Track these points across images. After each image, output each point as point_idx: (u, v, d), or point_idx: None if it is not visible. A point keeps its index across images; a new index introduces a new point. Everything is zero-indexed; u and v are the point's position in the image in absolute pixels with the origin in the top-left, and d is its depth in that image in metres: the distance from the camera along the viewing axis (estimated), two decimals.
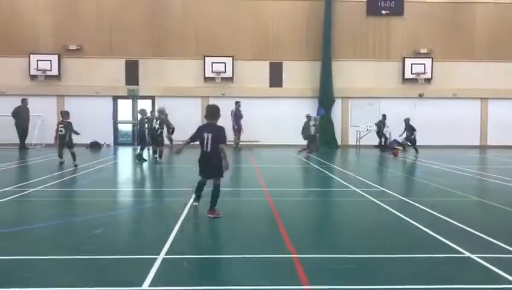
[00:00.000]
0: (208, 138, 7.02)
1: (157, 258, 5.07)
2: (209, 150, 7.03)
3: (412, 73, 24.17)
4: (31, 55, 22.93)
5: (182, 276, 4.66)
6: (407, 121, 19.39)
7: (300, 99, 23.56)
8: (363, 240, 6.16)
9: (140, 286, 4.29)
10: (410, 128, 19.18)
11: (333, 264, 5.08)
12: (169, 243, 5.69)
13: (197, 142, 7.29)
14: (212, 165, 7.09)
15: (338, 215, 8.26)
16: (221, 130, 7.14)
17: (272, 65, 23.90)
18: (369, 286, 4.43)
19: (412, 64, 24.17)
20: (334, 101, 23.90)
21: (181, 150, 7.73)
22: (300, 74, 23.87)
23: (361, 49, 24.11)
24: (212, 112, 7.35)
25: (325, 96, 23.70)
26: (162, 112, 15.82)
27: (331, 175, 13.15)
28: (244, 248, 5.66)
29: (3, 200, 8.47)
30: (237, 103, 21.92)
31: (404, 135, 19.49)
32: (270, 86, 23.93)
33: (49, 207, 8.35)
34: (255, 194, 9.68)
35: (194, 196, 7.48)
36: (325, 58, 23.59)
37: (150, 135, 15.22)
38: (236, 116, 21.75)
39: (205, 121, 7.59)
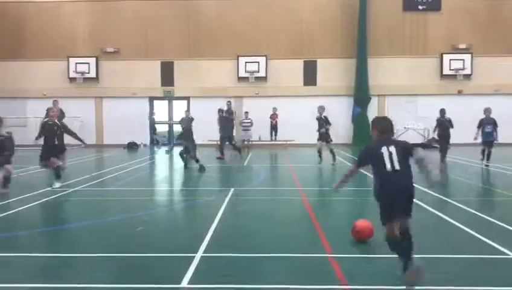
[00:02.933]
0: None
1: (195, 256, 5.10)
2: None
3: (450, 69, 23.53)
4: (70, 59, 23.59)
5: (220, 274, 4.66)
6: (441, 115, 18.79)
7: (335, 98, 23.29)
8: None
9: (179, 283, 4.32)
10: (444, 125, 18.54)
11: (371, 265, 4.99)
12: (207, 241, 5.72)
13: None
14: None
15: (375, 214, 8.08)
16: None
17: (306, 63, 23.75)
18: (410, 288, 4.30)
19: (450, 60, 23.53)
20: (370, 99, 23.53)
21: None
22: (334, 71, 23.61)
23: (397, 45, 23.64)
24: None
25: (361, 94, 23.36)
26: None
27: (367, 174, 12.92)
28: (280, 246, 5.62)
29: (46, 199, 8.72)
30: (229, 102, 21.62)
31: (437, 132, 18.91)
32: (304, 84, 23.78)
33: (89, 206, 8.54)
34: (290, 193, 9.62)
35: None
36: (361, 55, 23.25)
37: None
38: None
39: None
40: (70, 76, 23.71)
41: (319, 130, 14.83)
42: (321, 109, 14.93)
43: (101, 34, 23.74)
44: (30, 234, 6.45)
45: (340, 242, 5.86)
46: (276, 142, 22.45)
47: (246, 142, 22.13)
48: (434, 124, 14.74)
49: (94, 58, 23.71)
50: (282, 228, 6.68)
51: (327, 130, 14.68)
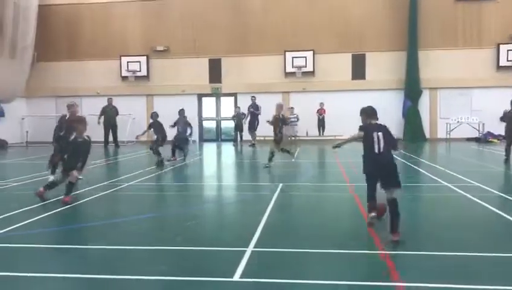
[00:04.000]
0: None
1: (246, 250, 5.16)
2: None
3: (508, 60, 22.44)
4: (122, 58, 24.32)
5: (271, 269, 4.69)
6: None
7: (385, 92, 22.79)
8: (457, 237, 5.82)
9: (232, 277, 4.38)
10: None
11: (424, 262, 4.86)
12: (258, 236, 5.76)
13: None
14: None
15: (428, 211, 7.88)
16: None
17: (354, 57, 23.35)
18: (465, 286, 4.17)
19: (507, 50, 22.44)
20: (422, 92, 22.86)
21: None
22: (384, 65, 23.08)
23: (450, 36, 22.79)
24: None
25: (412, 88, 22.73)
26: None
27: (419, 169, 12.60)
28: (330, 242, 5.59)
29: (101, 194, 9.06)
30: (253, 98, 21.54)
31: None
32: (353, 78, 23.40)
33: (142, 200, 8.80)
34: (339, 189, 9.53)
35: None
36: (411, 47, 22.60)
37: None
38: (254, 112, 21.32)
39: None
40: (123, 75, 24.46)
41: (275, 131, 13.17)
42: (279, 107, 13.38)
43: (151, 33, 24.33)
44: (86, 227, 6.72)
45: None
46: (324, 138, 22.24)
47: (292, 138, 22.08)
48: (500, 116, 14.13)
49: (145, 57, 24.34)
50: (332, 224, 6.63)
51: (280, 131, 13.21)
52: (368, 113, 6.19)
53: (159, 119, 14.21)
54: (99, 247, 5.53)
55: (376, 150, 5.79)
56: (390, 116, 22.68)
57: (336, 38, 23.30)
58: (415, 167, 13.06)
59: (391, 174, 5.76)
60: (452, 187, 9.24)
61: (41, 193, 8.21)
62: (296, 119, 21.90)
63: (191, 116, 24.07)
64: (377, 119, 6.16)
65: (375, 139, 5.82)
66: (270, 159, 12.76)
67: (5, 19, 22.01)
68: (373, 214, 6.24)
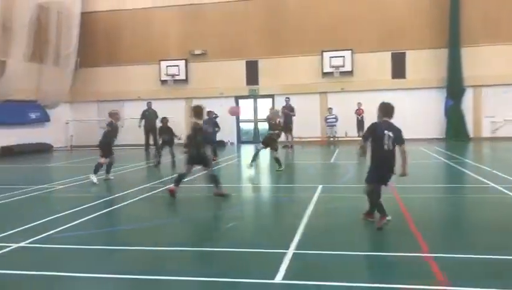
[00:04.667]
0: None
1: (286, 252, 5.13)
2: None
3: None
4: (161, 62, 24.76)
5: (313, 271, 4.64)
6: None
7: (426, 91, 22.23)
8: (506, 240, 5.59)
9: (273, 279, 4.37)
10: None
11: (473, 265, 4.70)
12: (298, 238, 5.73)
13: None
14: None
15: (475, 213, 7.62)
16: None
17: (393, 56, 22.89)
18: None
19: None
20: (465, 90, 22.16)
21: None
22: (425, 63, 22.52)
23: (494, 32, 21.97)
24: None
25: (454, 86, 22.06)
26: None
27: (464, 170, 12.21)
28: (373, 244, 5.50)
29: (143, 196, 9.23)
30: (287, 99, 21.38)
31: None
32: (393, 77, 22.93)
33: (183, 202, 8.90)
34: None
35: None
36: (453, 44, 21.94)
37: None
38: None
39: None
40: (162, 78, 24.90)
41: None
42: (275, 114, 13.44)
43: (189, 37, 24.67)
44: (130, 229, 6.86)
45: (437, 241, 5.60)
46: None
47: (331, 139, 21.88)
48: None
49: (183, 61, 24.69)
50: (374, 227, 6.50)
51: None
52: (387, 110, 6.31)
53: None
54: (143, 248, 5.63)
55: (386, 147, 6.09)
56: (432, 115, 22.18)
57: (374, 37, 22.92)
58: (459, 167, 12.66)
59: (391, 172, 6.21)
60: (500, 188, 8.90)
61: (173, 190, 8.62)
62: (334, 120, 21.69)
63: (230, 119, 24.34)
64: (392, 117, 6.31)
65: (386, 137, 6.08)
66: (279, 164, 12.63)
67: (49, 27, 22.85)
68: (389, 217, 6.18)
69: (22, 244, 5.76)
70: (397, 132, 6.21)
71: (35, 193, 9.81)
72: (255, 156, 13.17)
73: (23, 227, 6.60)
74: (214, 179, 8.73)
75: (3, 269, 4.87)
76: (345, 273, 4.59)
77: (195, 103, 24.39)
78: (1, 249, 5.53)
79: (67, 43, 23.60)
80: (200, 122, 8.87)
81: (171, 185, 8.86)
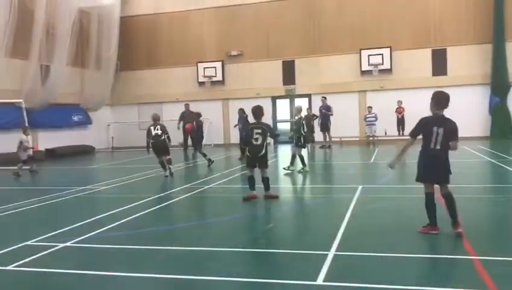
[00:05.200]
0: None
1: (327, 254, 5.06)
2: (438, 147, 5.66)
3: None
4: (199, 64, 25.04)
5: (355, 273, 4.56)
6: None
7: (469, 88, 21.52)
8: None
9: (315, 281, 4.31)
10: None
11: None
12: (339, 240, 5.64)
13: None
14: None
15: None
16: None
17: (434, 52, 22.31)
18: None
19: None
20: (511, 86, 21.34)
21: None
22: (467, 59, 21.82)
23: None
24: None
25: (499, 83, 21.26)
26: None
27: (510, 169, 11.74)
28: (415, 246, 5.35)
29: (184, 196, 9.34)
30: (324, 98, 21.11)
31: None
32: (433, 74, 22.35)
33: (223, 202, 8.96)
34: (423, 191, 9.07)
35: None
36: (497, 39, 21.15)
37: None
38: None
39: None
40: (199, 80, 25.17)
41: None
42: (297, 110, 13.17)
43: (225, 39, 24.84)
44: (172, 229, 6.94)
45: (484, 243, 5.39)
46: (404, 137, 21.42)
47: (370, 138, 21.54)
48: None
49: (220, 62, 24.88)
50: (415, 227, 6.33)
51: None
52: (440, 100, 5.72)
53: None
54: (184, 248, 5.68)
55: (432, 146, 5.60)
56: (475, 113, 21.47)
57: (413, 33, 22.41)
58: (506, 166, 12.19)
59: (444, 171, 5.69)
60: None
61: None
62: (374, 119, 21.32)
63: (267, 119, 24.34)
64: (446, 107, 5.73)
65: (434, 134, 5.59)
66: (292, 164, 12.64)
67: (91, 32, 23.51)
68: (436, 232, 5.75)
69: (68, 244, 5.92)
70: (450, 127, 5.62)
71: (79, 194, 10.09)
72: (294, 160, 12.91)
73: (69, 227, 6.79)
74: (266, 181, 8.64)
75: (50, 268, 5.02)
76: (387, 276, 4.49)
77: (231, 103, 24.61)
78: (48, 249, 5.71)
79: (108, 47, 24.21)
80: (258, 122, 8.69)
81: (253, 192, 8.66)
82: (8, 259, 5.31)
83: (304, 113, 13.46)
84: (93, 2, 23.30)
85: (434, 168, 5.73)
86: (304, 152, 13.79)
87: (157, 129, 12.69)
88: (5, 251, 5.67)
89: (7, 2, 17.33)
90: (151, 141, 12.50)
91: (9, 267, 5.02)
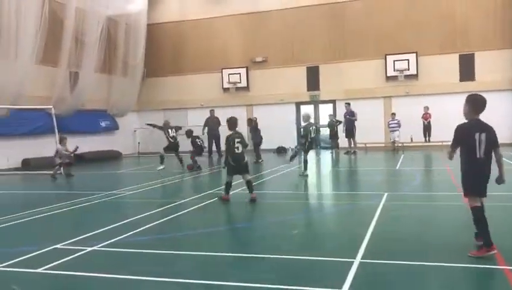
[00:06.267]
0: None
1: (353, 261, 5.02)
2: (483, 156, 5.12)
3: None
4: (223, 70, 25.23)
5: (381, 282, 4.52)
6: None
7: (498, 93, 20.97)
8: None
9: (340, 288, 4.28)
10: None
11: None
12: (364, 247, 5.59)
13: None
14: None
15: None
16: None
17: (461, 57, 21.94)
18: None
19: None
20: None
21: None
22: (496, 64, 21.38)
23: None
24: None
25: None
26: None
27: None
28: (444, 255, 5.24)
29: (207, 202, 9.40)
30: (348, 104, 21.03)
31: None
32: (461, 80, 21.98)
33: (247, 208, 8.98)
34: (450, 198, 8.94)
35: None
36: None
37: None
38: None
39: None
40: (224, 86, 25.36)
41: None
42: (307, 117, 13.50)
43: (250, 45, 24.98)
44: (196, 234, 7.00)
45: None
46: (430, 144, 21.12)
47: (396, 145, 21.26)
48: None
49: (245, 69, 25.02)
50: (445, 236, 6.23)
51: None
52: (477, 104, 5.19)
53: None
54: (208, 253, 5.72)
55: (478, 155, 5.03)
56: (504, 119, 20.97)
57: (440, 38, 22.10)
58: None
59: (486, 182, 5.15)
60: None
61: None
62: (396, 125, 21.02)
63: (291, 125, 24.33)
64: (482, 112, 5.22)
65: (477, 142, 5.03)
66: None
67: (118, 39, 23.96)
68: (493, 252, 5.04)
69: (95, 247, 6.03)
70: (490, 133, 5.11)
71: (106, 199, 10.27)
72: (305, 163, 13.16)
73: (96, 231, 6.92)
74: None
75: (78, 271, 5.12)
76: (415, 285, 4.43)
77: (256, 109, 24.70)
78: (77, 252, 5.83)
79: (135, 54, 24.63)
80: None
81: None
82: (38, 261, 5.44)
83: (312, 120, 13.64)
84: (120, 10, 23.76)
85: (483, 179, 5.14)
86: (309, 157, 13.80)
87: (173, 132, 15.83)
88: (35, 253, 5.82)
89: (39, 11, 17.82)
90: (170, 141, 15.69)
91: (39, 270, 5.15)
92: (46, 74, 19.44)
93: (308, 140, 13.05)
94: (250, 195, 9.12)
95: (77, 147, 14.90)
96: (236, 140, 9.06)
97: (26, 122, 18.69)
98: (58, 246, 6.13)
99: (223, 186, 9.44)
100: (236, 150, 9.03)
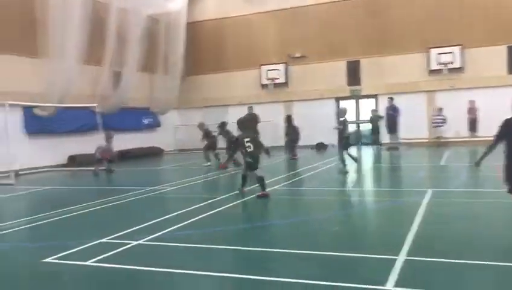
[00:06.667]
0: None
1: (397, 258, 4.93)
2: None
3: None
4: (262, 67, 25.23)
5: (426, 280, 4.40)
6: None
7: None
8: None
9: (384, 285, 4.21)
10: None
11: None
12: (408, 244, 5.47)
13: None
14: None
15: None
16: None
17: (510, 49, 21.03)
18: None
19: None
20: None
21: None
22: None
23: None
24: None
25: None
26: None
27: None
28: (493, 253, 5.06)
29: (249, 197, 9.43)
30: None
31: None
32: (509, 72, 21.08)
33: (288, 204, 8.97)
34: (499, 195, 8.58)
35: None
36: None
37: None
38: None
39: None
40: (262, 83, 25.36)
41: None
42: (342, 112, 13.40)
43: (289, 41, 24.85)
44: (239, 229, 7.05)
45: None
46: (477, 139, 20.41)
47: (441, 140, 20.67)
48: None
49: (283, 65, 24.93)
50: (492, 234, 6.02)
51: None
52: None
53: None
54: (249, 248, 5.75)
55: None
56: None
57: (486, 30, 21.26)
58: None
59: None
60: None
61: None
62: (440, 121, 20.41)
63: (330, 121, 24.06)
64: None
65: None
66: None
67: (159, 38, 24.36)
68: None
69: (141, 241, 6.18)
70: None
71: (149, 194, 10.49)
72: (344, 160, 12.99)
73: (141, 225, 7.08)
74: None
75: (125, 264, 5.26)
76: (460, 284, 4.30)
77: (294, 105, 24.60)
78: (123, 246, 5.98)
79: (175, 53, 24.96)
80: None
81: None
82: (86, 255, 5.63)
83: (347, 115, 13.43)
84: (161, 9, 24.15)
85: None
86: (351, 152, 13.65)
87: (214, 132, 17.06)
88: (84, 246, 6.01)
89: (82, 12, 18.35)
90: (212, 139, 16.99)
91: (88, 263, 5.32)
92: (90, 73, 20.00)
93: (344, 136, 12.91)
94: (261, 192, 9.28)
95: (115, 154, 15.72)
96: (246, 140, 9.52)
97: (72, 120, 19.33)
98: (104, 240, 6.32)
99: (262, 183, 9.42)
100: (249, 148, 9.46)
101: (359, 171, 13.94)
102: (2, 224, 7.80)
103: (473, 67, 21.41)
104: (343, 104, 24.45)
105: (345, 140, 12.96)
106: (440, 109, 20.60)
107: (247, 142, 9.51)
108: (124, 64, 21.44)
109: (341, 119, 13.13)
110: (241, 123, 10.07)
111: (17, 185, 13.31)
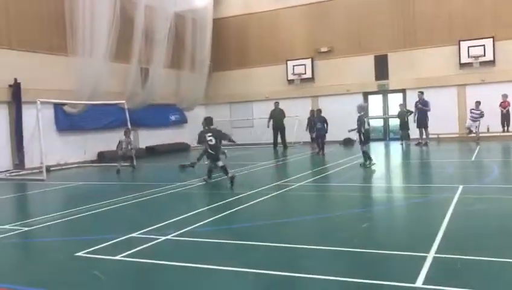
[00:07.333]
0: None
1: (426, 256, 4.85)
2: None
3: None
4: (288, 62, 25.12)
5: (457, 277, 4.32)
6: None
7: None
8: None
9: (414, 283, 4.15)
10: None
11: None
12: (438, 241, 5.38)
13: None
14: None
15: None
16: None
17: None
18: None
19: None
20: None
21: None
22: None
23: None
24: None
25: None
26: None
27: None
28: None
29: (274, 193, 9.44)
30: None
31: None
32: None
33: (314, 200, 8.93)
34: None
35: None
36: None
37: None
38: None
39: None
40: (289, 78, 25.26)
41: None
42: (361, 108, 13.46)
43: (315, 36, 24.68)
44: (264, 225, 7.05)
45: None
46: (509, 134, 19.88)
47: (471, 134, 20.16)
48: None
49: (309, 60, 24.77)
50: None
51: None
52: None
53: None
54: (277, 245, 5.74)
55: None
56: None
57: None
58: None
59: None
60: None
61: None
62: (478, 115, 19.75)
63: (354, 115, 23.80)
64: None
65: None
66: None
67: (186, 35, 24.52)
68: None
69: (169, 237, 6.25)
70: None
71: (176, 190, 10.60)
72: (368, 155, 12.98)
73: (169, 221, 7.16)
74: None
75: (154, 259, 5.33)
76: (492, 282, 4.20)
77: (321, 100, 24.40)
78: (151, 241, 6.07)
79: (202, 49, 25.10)
80: None
81: None
82: (116, 249, 5.73)
83: (366, 112, 13.44)
84: (187, 6, 24.30)
85: None
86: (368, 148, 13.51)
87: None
88: (113, 241, 6.12)
89: (111, 10, 18.65)
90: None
91: (117, 257, 5.41)
92: (118, 70, 20.30)
93: (362, 131, 12.91)
94: (228, 177, 10.36)
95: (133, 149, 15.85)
96: (207, 134, 10.73)
97: (101, 117, 19.67)
98: (133, 235, 6.41)
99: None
100: (210, 142, 10.68)
101: (387, 167, 13.76)
102: (35, 219, 8.01)
103: (504, 60, 20.83)
104: (371, 99, 24.26)
105: (364, 136, 12.87)
106: (478, 103, 19.90)
107: (209, 136, 10.67)
108: (151, 61, 21.69)
109: (359, 114, 13.02)
110: (205, 120, 11.23)
111: (49, 181, 13.64)
